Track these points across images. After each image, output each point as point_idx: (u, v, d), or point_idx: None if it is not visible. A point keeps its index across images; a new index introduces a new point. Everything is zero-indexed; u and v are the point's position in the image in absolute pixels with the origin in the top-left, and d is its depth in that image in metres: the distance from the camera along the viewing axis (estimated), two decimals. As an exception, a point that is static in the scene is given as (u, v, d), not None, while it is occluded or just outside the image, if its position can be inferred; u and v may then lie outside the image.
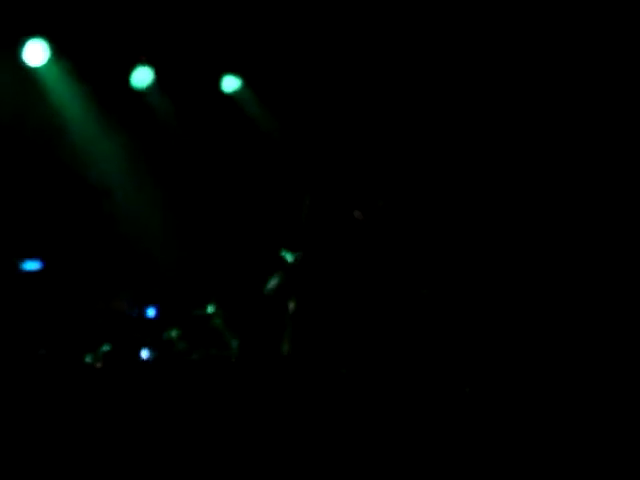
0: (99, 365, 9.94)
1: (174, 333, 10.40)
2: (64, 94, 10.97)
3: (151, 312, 10.56)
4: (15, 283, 9.87)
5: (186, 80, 11.25)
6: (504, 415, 8.34)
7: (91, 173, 11.08)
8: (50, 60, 10.65)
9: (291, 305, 9.72)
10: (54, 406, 8.92)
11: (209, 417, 9.10)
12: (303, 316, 9.71)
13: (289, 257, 9.96)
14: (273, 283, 9.82)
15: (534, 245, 10.47)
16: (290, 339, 9.72)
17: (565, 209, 10.44)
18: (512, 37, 10.43)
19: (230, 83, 11.43)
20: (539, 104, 10.51)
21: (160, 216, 11.42)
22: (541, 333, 9.96)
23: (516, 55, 10.49)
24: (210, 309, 10.56)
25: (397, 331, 9.81)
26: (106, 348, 10.03)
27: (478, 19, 10.43)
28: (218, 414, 9.19)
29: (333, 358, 9.67)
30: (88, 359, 9.90)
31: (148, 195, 11.36)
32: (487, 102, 10.76)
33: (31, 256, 10.32)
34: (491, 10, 10.32)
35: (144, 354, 10.20)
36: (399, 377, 9.38)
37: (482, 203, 10.81)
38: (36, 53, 10.58)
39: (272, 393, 9.63)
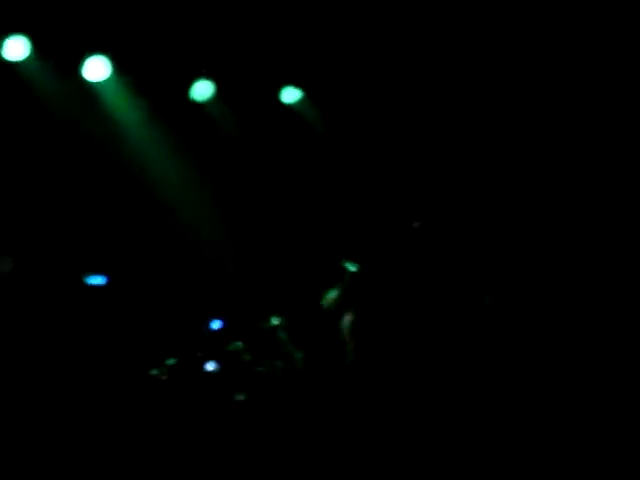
0: (164, 378, 9.97)
1: (239, 345, 10.39)
2: (125, 109, 11.04)
3: (216, 324, 10.56)
4: (81, 297, 9.93)
5: (246, 92, 11.26)
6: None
7: (154, 187, 11.12)
8: (111, 75, 10.72)
9: (347, 318, 9.66)
10: (121, 418, 8.98)
11: (275, 429, 9.10)
12: (363, 328, 9.65)
13: (351, 268, 9.92)
14: (331, 297, 9.77)
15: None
16: (352, 351, 9.67)
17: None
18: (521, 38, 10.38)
19: (290, 94, 11.45)
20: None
21: (223, 228, 11.43)
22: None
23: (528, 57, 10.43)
24: (274, 321, 10.54)
25: (460, 339, 9.75)
26: (171, 361, 10.06)
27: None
28: (283, 425, 9.19)
29: (396, 368, 9.61)
30: (154, 372, 9.93)
31: (211, 208, 11.38)
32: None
33: (96, 271, 10.38)
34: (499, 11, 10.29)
35: (209, 367, 10.22)
36: (464, 386, 9.33)
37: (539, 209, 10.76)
38: (97, 69, 10.66)
39: (337, 405, 9.61)
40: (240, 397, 9.92)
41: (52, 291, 9.72)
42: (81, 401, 8.98)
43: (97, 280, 10.03)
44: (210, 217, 11.37)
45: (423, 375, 9.45)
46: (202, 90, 11.19)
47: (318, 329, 10.40)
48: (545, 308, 10.08)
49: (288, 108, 11.50)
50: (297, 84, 11.40)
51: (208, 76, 11.13)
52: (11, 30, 10.04)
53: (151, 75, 10.89)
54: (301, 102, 11.47)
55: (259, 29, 10.78)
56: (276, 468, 8.00)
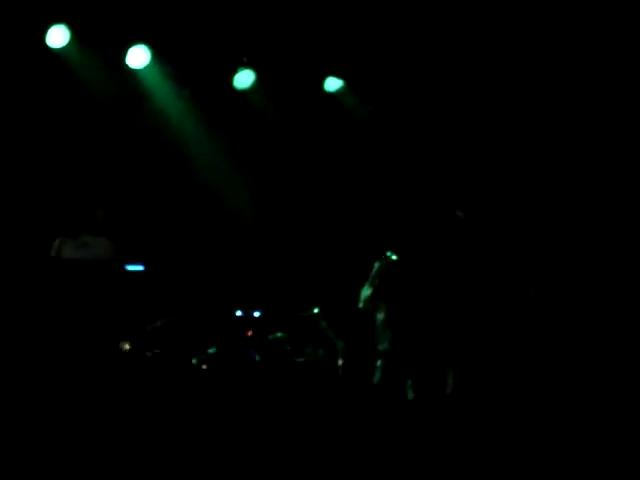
0: (205, 367, 9.92)
1: (280, 335, 10.33)
2: (166, 95, 11.04)
3: (257, 313, 10.50)
4: (121, 285, 9.89)
5: (288, 81, 11.22)
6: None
7: (196, 173, 11.11)
8: (151, 63, 10.72)
9: (380, 315, 9.58)
10: (162, 406, 8.94)
11: (317, 417, 9.04)
12: (398, 320, 9.57)
13: (393, 257, 9.83)
14: (365, 295, 9.68)
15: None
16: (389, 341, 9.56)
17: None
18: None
19: (332, 83, 11.40)
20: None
21: (263, 217, 11.39)
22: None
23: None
24: (315, 310, 10.48)
25: (501, 331, 9.68)
26: (212, 350, 10.01)
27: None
28: (327, 414, 9.13)
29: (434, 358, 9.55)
30: (194, 361, 9.89)
31: (251, 196, 11.34)
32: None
33: (135, 258, 10.34)
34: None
35: (251, 355, 10.17)
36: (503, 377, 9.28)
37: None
38: (139, 56, 10.67)
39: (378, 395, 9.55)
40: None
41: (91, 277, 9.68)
42: (121, 388, 8.95)
43: (135, 267, 9.97)
44: (250, 204, 11.33)
45: (462, 369, 9.39)
46: (244, 79, 11.17)
47: (359, 319, 10.34)
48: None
49: (331, 97, 11.45)
50: (339, 73, 11.34)
51: (250, 65, 11.09)
52: (53, 19, 10.07)
53: (193, 63, 10.87)
54: (343, 91, 11.41)
55: (301, 18, 10.74)
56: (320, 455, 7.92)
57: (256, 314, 10.46)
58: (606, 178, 10.64)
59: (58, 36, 10.12)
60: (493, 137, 11.18)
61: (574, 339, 9.92)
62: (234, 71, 11.11)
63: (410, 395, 9.31)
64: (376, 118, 11.46)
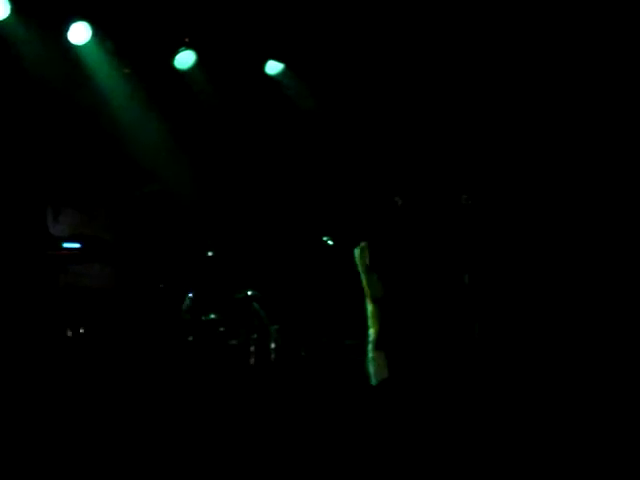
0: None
1: (213, 316, 10.35)
2: (107, 73, 10.96)
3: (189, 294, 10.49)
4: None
5: (229, 62, 11.20)
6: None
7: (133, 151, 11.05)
8: (92, 40, 10.62)
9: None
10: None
11: (246, 404, 9.05)
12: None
13: (330, 243, 9.88)
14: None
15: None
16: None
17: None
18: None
19: (274, 66, 11.40)
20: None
21: (202, 198, 11.37)
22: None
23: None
24: (249, 293, 10.51)
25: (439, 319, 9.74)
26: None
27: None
28: (257, 401, 9.14)
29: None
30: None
31: (191, 178, 11.32)
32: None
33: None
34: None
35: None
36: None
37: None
38: (80, 32, 10.56)
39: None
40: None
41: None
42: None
43: (73, 245, 9.93)
44: (188, 185, 11.30)
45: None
46: (185, 59, 11.13)
47: (293, 302, 10.38)
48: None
49: (271, 80, 11.45)
50: (281, 57, 11.34)
51: (191, 46, 11.05)
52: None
53: (134, 42, 10.80)
54: (284, 74, 11.42)
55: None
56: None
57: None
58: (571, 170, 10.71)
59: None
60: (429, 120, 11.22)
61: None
62: (175, 51, 11.07)
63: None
64: (318, 103, 11.48)
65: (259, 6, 10.69)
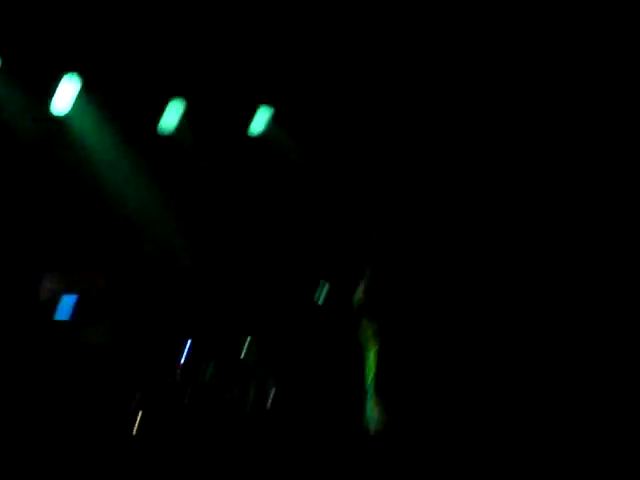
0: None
1: (208, 369, 10.22)
2: (92, 134, 10.97)
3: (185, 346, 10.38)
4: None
5: (216, 118, 11.25)
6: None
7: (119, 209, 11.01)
8: (78, 100, 10.65)
9: None
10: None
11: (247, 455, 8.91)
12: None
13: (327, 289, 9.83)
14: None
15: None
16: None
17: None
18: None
19: (261, 120, 11.43)
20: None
21: (193, 253, 11.31)
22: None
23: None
24: (245, 342, 10.41)
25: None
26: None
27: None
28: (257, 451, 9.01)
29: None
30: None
31: (180, 231, 11.27)
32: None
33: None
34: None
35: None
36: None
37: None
38: (64, 94, 10.58)
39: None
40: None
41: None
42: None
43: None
44: (179, 240, 11.25)
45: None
46: (170, 116, 11.16)
47: (289, 351, 10.26)
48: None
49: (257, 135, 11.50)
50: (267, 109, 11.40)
51: (177, 103, 11.10)
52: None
53: (121, 101, 10.84)
54: (271, 128, 11.46)
55: (229, 55, 10.80)
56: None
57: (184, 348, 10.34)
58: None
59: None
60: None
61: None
62: (162, 109, 11.10)
63: None
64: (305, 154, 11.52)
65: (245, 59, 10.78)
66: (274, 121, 11.37)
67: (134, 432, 9.59)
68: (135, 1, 10.22)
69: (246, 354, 10.30)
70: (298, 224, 11.39)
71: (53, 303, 10.23)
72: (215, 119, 11.30)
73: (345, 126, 11.22)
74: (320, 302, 10.34)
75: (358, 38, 10.51)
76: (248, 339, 10.33)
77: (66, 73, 10.50)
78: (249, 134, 11.45)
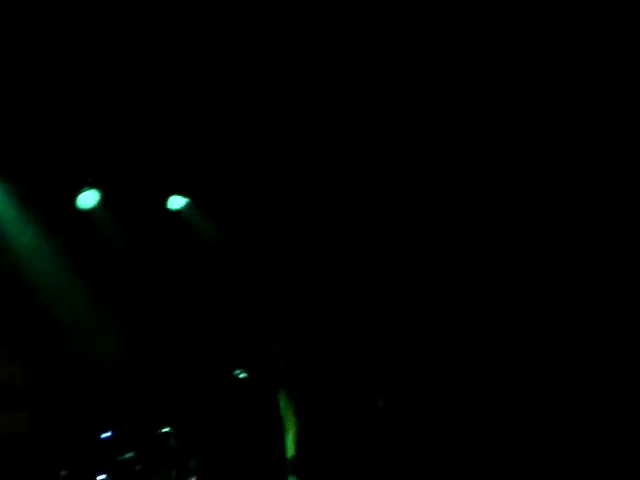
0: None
1: (129, 455, 10.25)
2: (10, 219, 10.96)
3: (106, 435, 10.42)
4: None
5: (132, 200, 11.32)
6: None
7: (39, 296, 11.01)
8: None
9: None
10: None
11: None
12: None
13: (242, 375, 9.97)
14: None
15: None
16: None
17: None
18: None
19: (176, 201, 11.56)
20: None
21: (112, 338, 11.34)
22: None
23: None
24: (164, 429, 10.46)
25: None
26: (63, 473, 9.88)
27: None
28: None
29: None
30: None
31: (100, 317, 11.30)
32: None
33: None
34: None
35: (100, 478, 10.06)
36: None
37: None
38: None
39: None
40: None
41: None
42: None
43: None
44: (100, 326, 11.27)
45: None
46: (88, 199, 11.21)
47: (210, 436, 10.37)
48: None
49: (175, 214, 11.61)
50: (184, 191, 11.53)
51: (94, 185, 11.15)
52: None
53: (37, 184, 10.86)
54: (188, 208, 11.59)
55: (145, 138, 10.90)
56: None
57: (106, 435, 10.38)
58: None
59: None
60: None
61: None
62: (79, 191, 11.14)
63: None
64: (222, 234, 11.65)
65: (160, 143, 10.89)
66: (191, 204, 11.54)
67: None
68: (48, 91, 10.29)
69: (167, 442, 10.37)
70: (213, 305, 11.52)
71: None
72: (131, 199, 11.38)
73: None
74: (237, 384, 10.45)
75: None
76: (168, 429, 10.40)
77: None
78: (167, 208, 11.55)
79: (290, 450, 9.63)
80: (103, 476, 10.07)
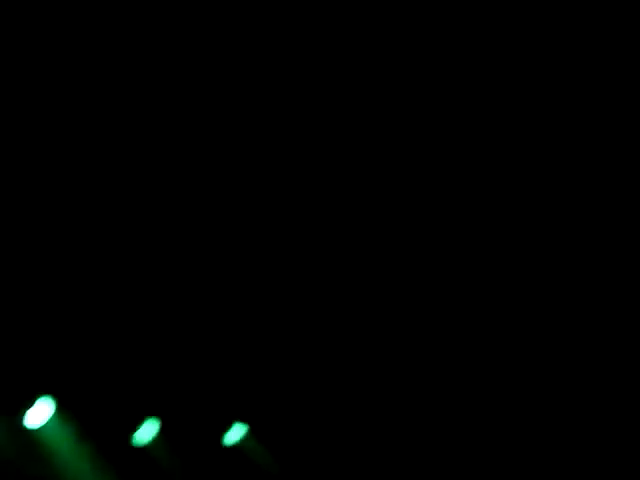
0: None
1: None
2: (67, 452, 10.87)
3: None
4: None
5: (191, 433, 11.24)
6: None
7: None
8: (52, 419, 10.62)
9: None
10: None
11: None
12: None
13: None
14: None
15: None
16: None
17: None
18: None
19: (235, 433, 11.44)
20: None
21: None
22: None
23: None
24: None
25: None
26: None
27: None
28: None
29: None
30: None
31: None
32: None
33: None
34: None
35: None
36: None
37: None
38: (38, 413, 10.57)
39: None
40: None
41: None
42: None
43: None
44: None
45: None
46: (146, 432, 11.14)
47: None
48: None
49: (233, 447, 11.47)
50: (242, 422, 11.43)
51: (151, 418, 11.11)
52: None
53: (95, 418, 10.83)
54: (246, 440, 11.45)
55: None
56: None
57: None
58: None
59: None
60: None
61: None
62: (137, 425, 11.11)
63: None
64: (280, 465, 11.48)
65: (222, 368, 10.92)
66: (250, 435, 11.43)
67: None
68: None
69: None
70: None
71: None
72: (190, 433, 11.31)
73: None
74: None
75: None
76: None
77: (41, 395, 10.51)
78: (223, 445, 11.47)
79: None
80: None
